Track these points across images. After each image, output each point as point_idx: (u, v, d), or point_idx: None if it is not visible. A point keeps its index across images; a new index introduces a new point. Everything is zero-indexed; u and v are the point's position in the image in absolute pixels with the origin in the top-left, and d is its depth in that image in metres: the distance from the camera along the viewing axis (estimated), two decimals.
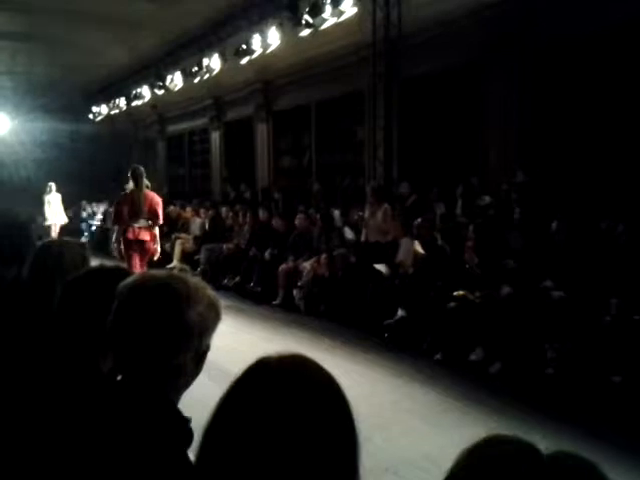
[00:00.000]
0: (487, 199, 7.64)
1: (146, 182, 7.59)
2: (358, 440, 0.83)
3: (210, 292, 1.31)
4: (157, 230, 7.59)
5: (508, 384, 5.32)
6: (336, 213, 9.39)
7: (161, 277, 1.30)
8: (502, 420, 4.45)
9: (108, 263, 1.90)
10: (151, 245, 7.50)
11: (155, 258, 7.55)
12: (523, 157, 7.93)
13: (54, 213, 14.97)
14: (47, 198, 15.07)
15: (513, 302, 5.71)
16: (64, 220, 15.16)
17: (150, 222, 7.46)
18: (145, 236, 7.43)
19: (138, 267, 7.28)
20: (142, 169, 7.54)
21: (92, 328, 1.47)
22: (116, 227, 7.72)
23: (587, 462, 0.69)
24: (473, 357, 5.77)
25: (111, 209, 10.76)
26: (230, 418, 0.83)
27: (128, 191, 7.76)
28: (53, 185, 15.06)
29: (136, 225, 7.40)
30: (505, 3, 7.81)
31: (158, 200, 7.63)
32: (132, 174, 7.52)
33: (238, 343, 5.96)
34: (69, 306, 1.58)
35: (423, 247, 7.17)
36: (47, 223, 14.77)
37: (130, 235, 7.39)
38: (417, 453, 3.91)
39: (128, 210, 7.39)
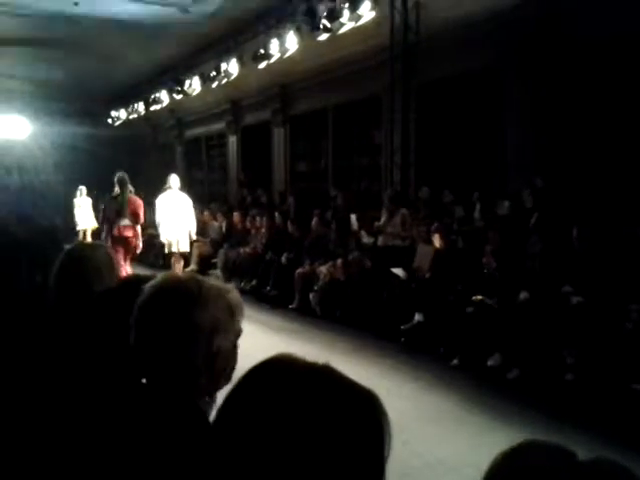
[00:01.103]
0: (506, 204, 7.58)
1: (130, 188, 8.84)
2: (386, 455, 0.80)
3: (231, 295, 1.32)
4: (139, 228, 8.80)
5: (526, 390, 5.26)
6: (353, 217, 9.39)
7: (176, 278, 1.33)
8: (520, 427, 4.40)
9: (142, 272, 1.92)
10: (134, 240, 8.71)
11: (138, 252, 9.00)
12: (542, 162, 7.86)
13: (85, 217, 14.78)
14: (77, 202, 14.87)
15: (531, 307, 5.66)
16: (95, 224, 14.78)
17: (132, 222, 8.66)
18: (128, 233, 8.62)
19: (122, 260, 8.23)
20: (126, 177, 8.79)
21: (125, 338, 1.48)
22: (105, 226, 8.84)
23: (625, 469, 0.67)
24: (491, 362, 5.72)
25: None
26: (244, 415, 0.80)
27: (114, 195, 8.80)
28: (84, 188, 14.83)
29: (121, 224, 8.58)
30: (524, 6, 7.75)
31: (140, 203, 8.84)
32: (118, 181, 8.74)
33: (254, 347, 5.94)
34: (104, 317, 1.61)
35: (441, 251, 7.13)
36: (78, 228, 14.56)
37: (116, 232, 8.55)
38: (434, 458, 3.88)
39: (114, 212, 8.61)
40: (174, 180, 9.60)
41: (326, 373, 0.83)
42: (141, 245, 8.91)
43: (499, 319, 5.78)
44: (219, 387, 1.31)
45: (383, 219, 8.36)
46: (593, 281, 5.46)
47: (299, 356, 0.84)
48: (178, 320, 1.24)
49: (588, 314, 5.25)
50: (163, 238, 9.54)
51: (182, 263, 9.73)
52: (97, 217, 14.33)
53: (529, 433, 4.22)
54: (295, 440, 0.75)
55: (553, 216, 6.79)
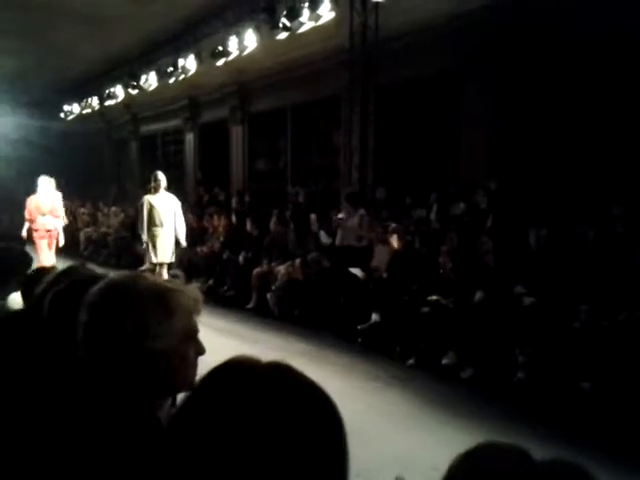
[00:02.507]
0: (461, 205, 7.70)
1: (51, 186, 9.71)
2: (347, 452, 0.79)
3: (175, 295, 1.27)
4: (58, 223, 9.71)
5: (480, 388, 5.36)
6: (312, 217, 9.38)
7: (114, 280, 1.31)
8: (475, 424, 4.48)
9: (89, 270, 1.86)
10: (55, 234, 9.62)
11: (61, 245, 9.73)
12: (497, 165, 8.02)
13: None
14: None
15: (485, 307, 5.76)
16: (64, 223, 13.80)
17: (52, 217, 9.52)
18: (49, 227, 9.56)
19: (45, 251, 9.47)
20: (48, 179, 9.65)
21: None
22: (26, 222, 9.60)
23: (581, 470, 0.67)
24: (445, 361, 5.80)
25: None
26: (202, 418, 0.78)
27: (36, 193, 9.64)
28: (52, 181, 13.14)
29: (42, 219, 9.54)
30: (480, 12, 7.90)
31: (59, 201, 9.88)
32: (41, 181, 9.60)
33: (209, 348, 5.88)
34: (58, 318, 1.55)
35: (398, 252, 7.19)
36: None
37: (37, 227, 9.48)
38: (390, 457, 3.90)
39: (35, 208, 9.50)
40: (161, 179, 8.39)
41: (285, 373, 0.81)
42: (63, 239, 9.71)
43: (454, 319, 5.86)
44: (178, 390, 1.26)
45: (342, 217, 8.39)
46: (545, 282, 5.60)
47: (257, 358, 0.82)
48: (108, 322, 1.21)
49: (540, 314, 5.38)
50: (145, 246, 8.33)
51: (165, 276, 8.24)
52: (68, 215, 13.18)
53: (483, 431, 4.30)
54: (254, 443, 0.73)
55: (507, 218, 6.94)
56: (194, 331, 1.31)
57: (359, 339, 6.84)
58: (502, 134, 8.06)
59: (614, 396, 4.68)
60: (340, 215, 8.47)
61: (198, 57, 11.43)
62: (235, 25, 10.22)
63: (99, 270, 1.97)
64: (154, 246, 8.27)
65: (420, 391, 5.30)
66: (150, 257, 8.36)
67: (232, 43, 10.23)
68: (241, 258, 9.35)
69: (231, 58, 10.49)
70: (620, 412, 4.53)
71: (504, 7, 7.63)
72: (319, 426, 0.77)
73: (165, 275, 8.23)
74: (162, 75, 12.62)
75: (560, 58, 7.43)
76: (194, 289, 1.34)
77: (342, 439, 0.79)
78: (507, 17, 7.66)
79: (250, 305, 8.66)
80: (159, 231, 8.24)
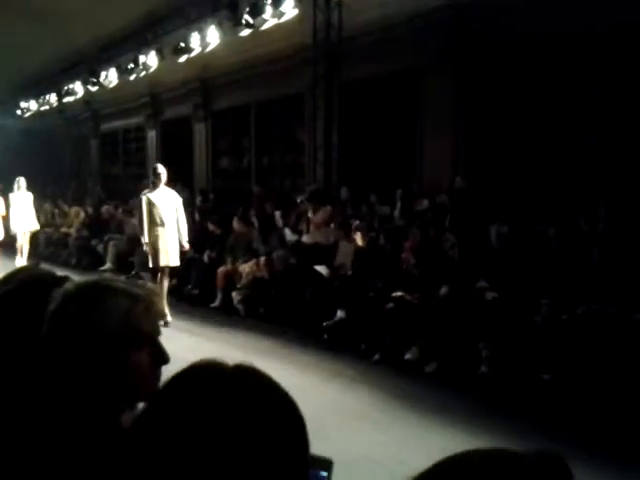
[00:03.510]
0: (425, 202, 7.79)
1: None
2: (309, 458, 0.80)
3: (144, 298, 1.24)
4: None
5: (444, 382, 5.43)
6: (277, 214, 9.36)
7: (80, 282, 1.25)
8: (440, 418, 4.54)
9: (41, 270, 1.80)
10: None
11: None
12: (460, 162, 8.14)
13: (21, 217, 11.59)
14: (13, 198, 11.55)
15: (449, 303, 5.84)
16: (35, 226, 12.03)
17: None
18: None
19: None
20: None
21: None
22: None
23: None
24: (408, 356, 5.86)
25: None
26: (168, 422, 0.77)
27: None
28: (22, 180, 11.51)
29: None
30: (441, 11, 7.99)
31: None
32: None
33: (175, 348, 5.81)
34: (6, 320, 1.49)
35: (362, 249, 7.24)
36: (14, 231, 11.55)
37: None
38: (356, 453, 3.92)
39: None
40: (161, 172, 7.48)
41: (251, 377, 0.80)
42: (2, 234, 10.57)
43: (418, 314, 5.93)
44: (139, 398, 1.22)
45: (311, 215, 8.42)
46: (507, 277, 5.70)
47: (223, 360, 0.81)
48: (76, 328, 1.16)
49: (502, 309, 5.49)
50: (147, 248, 7.45)
51: (166, 282, 7.66)
52: (39, 217, 12.41)
53: (448, 424, 4.36)
54: (216, 448, 0.73)
55: (470, 214, 7.05)
56: (157, 335, 1.27)
57: (325, 336, 6.85)
58: (465, 131, 8.18)
59: (574, 386, 4.81)
60: (310, 215, 8.48)
61: (160, 53, 11.27)
62: (197, 21, 10.12)
63: (58, 272, 1.92)
64: (155, 249, 7.36)
65: (385, 386, 5.34)
66: (151, 261, 7.46)
67: (194, 39, 10.13)
68: (205, 257, 9.27)
69: (193, 55, 10.38)
70: (580, 401, 4.65)
71: (466, 5, 7.74)
72: (281, 432, 0.77)
73: (166, 283, 7.61)
74: (123, 72, 12.41)
75: (522, 56, 7.57)
76: (155, 292, 1.31)
77: (304, 444, 0.79)
78: (469, 15, 7.77)
79: (215, 304, 8.59)
80: (160, 231, 7.35)
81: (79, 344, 1.17)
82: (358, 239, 7.34)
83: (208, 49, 10.14)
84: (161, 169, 7.52)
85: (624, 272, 5.18)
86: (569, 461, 0.64)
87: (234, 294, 8.33)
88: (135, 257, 10.79)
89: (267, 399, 0.78)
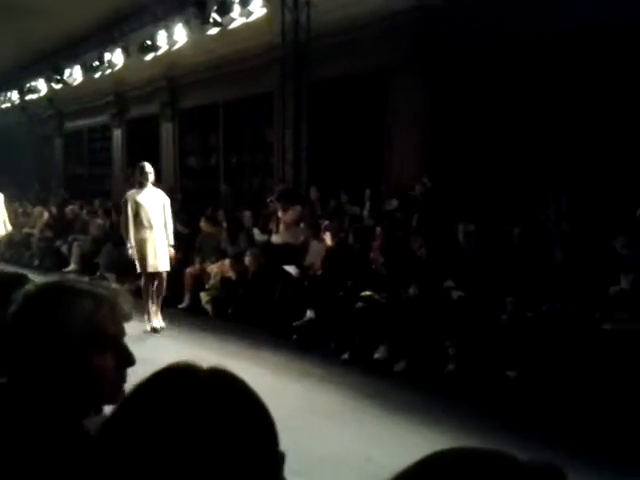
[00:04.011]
0: (394, 203, 7.84)
1: None
2: (280, 461, 0.79)
3: (110, 299, 1.22)
4: None
5: (412, 381, 5.48)
6: (246, 214, 9.31)
7: (43, 284, 1.22)
8: (410, 416, 4.57)
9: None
10: None
11: None
12: (428, 163, 8.22)
13: None
14: None
15: (417, 302, 5.90)
16: (9, 228, 11.19)
17: None
18: None
19: None
20: None
21: None
22: None
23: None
24: (377, 356, 5.89)
25: None
26: (140, 424, 0.76)
27: None
28: None
29: None
30: (410, 12, 8.06)
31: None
32: None
33: (144, 350, 5.73)
34: None
35: (332, 249, 7.25)
36: None
37: None
38: (326, 453, 3.93)
39: None
40: (149, 171, 7.10)
41: (224, 381, 0.80)
42: None
43: (387, 314, 5.97)
44: (104, 401, 1.20)
45: (280, 214, 8.41)
46: (473, 276, 5.78)
47: (195, 364, 0.80)
48: (34, 328, 1.14)
49: (468, 307, 5.56)
50: (133, 252, 6.97)
51: (164, 286, 7.27)
52: (11, 219, 11.41)
53: (416, 422, 4.40)
54: (187, 452, 0.72)
55: (437, 214, 7.12)
56: (121, 337, 1.24)
57: (294, 336, 6.85)
58: (433, 131, 8.26)
59: (538, 383, 4.90)
60: (280, 214, 8.45)
61: (125, 51, 11.11)
62: (164, 19, 10.00)
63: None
64: (142, 253, 6.92)
65: (354, 385, 5.36)
66: (138, 266, 7.02)
67: (161, 37, 10.02)
68: None
69: (160, 53, 10.26)
70: (544, 398, 4.75)
71: (435, 7, 7.82)
72: (252, 435, 0.77)
73: (164, 283, 7.23)
74: (87, 69, 12.20)
75: (488, 58, 7.69)
76: (124, 292, 1.28)
77: (274, 446, 0.79)
78: (438, 17, 7.86)
79: (183, 305, 8.50)
80: (148, 234, 6.95)
81: (41, 347, 1.14)
82: (327, 239, 7.35)
83: (175, 47, 10.04)
84: (149, 168, 7.12)
85: (587, 270, 5.30)
86: (535, 457, 0.65)
87: (202, 295, 8.26)
88: (100, 258, 10.64)
89: (239, 402, 0.78)
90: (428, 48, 8.01)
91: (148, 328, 7.11)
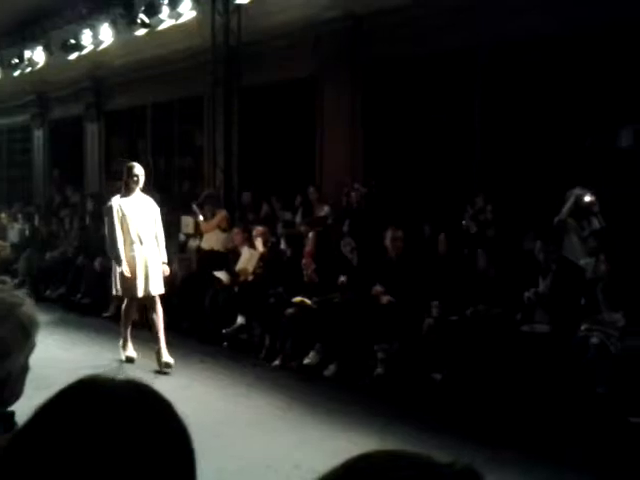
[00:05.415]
0: (326, 209, 7.92)
1: None
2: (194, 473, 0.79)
3: (23, 310, 1.18)
4: None
5: (342, 385, 5.54)
6: (183, 219, 9.14)
7: None
8: (339, 422, 4.62)
9: None
10: None
11: None
12: (358, 169, 8.34)
13: None
14: None
15: (347, 307, 5.97)
16: None
17: None
18: None
19: None
20: None
21: None
22: None
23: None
24: (307, 361, 5.92)
25: None
26: (48, 439, 0.73)
27: None
28: None
29: None
30: (338, 21, 8.19)
31: None
32: None
33: (63, 361, 5.54)
34: None
35: (264, 255, 7.24)
36: None
37: None
38: (254, 460, 3.91)
39: None
40: (138, 174, 5.97)
41: (138, 395, 0.78)
42: None
43: (317, 319, 6.01)
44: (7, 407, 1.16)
45: (202, 219, 8.32)
46: (400, 281, 5.92)
47: (110, 377, 0.79)
48: None
49: (396, 312, 5.69)
50: (124, 270, 5.78)
51: (159, 313, 6.00)
52: None
53: (345, 426, 4.45)
54: (100, 465, 0.71)
55: (368, 219, 7.24)
56: (34, 347, 1.21)
57: (225, 343, 6.78)
58: (363, 138, 8.40)
59: (463, 384, 5.07)
60: (201, 218, 8.34)
61: (47, 49, 10.70)
62: (89, 18, 9.71)
63: None
64: (132, 274, 5.80)
65: (285, 391, 5.36)
66: (122, 289, 5.89)
67: (86, 36, 9.72)
68: (97, 264, 8.87)
69: (85, 52, 9.96)
70: (469, 399, 4.91)
71: (364, 16, 7.97)
72: (166, 450, 0.75)
73: (156, 316, 5.96)
74: (6, 67, 11.68)
75: (414, 67, 7.91)
76: (29, 303, 1.24)
77: (190, 461, 0.78)
78: (367, 25, 8.01)
79: (108, 313, 8.24)
80: (137, 250, 5.84)
81: None
82: (259, 245, 7.33)
83: (101, 47, 9.76)
84: (138, 169, 5.98)
85: (508, 274, 5.54)
86: (456, 454, 0.67)
87: None
88: (19, 264, 10.22)
89: (151, 416, 0.76)
90: (356, 56, 8.15)
91: (122, 357, 6.11)
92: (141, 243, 5.85)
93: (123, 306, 6.23)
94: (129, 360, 6.12)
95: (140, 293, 5.85)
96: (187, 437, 0.78)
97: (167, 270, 6.09)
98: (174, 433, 0.77)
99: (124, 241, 5.83)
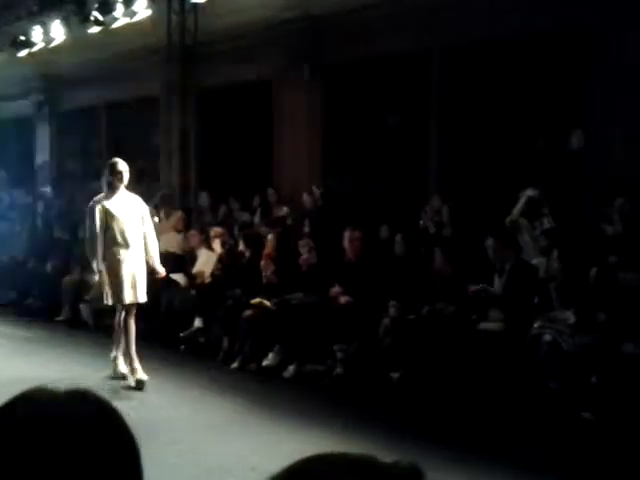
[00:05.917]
0: (284, 210, 7.90)
1: None
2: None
3: None
4: None
5: (301, 386, 5.54)
6: None
7: None
8: (294, 421, 4.61)
9: None
10: None
11: None
12: (317, 170, 8.36)
13: None
14: None
15: (305, 308, 5.97)
16: None
17: None
18: None
19: None
20: None
21: None
22: None
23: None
24: (266, 363, 5.90)
25: None
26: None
27: None
28: None
29: None
30: (297, 21, 8.19)
31: None
32: None
33: (14, 368, 5.36)
34: None
35: (222, 256, 7.17)
36: None
37: None
38: (212, 464, 3.86)
39: None
40: (123, 170, 5.55)
41: (81, 403, 0.76)
42: None
43: (276, 320, 6.00)
44: None
45: (158, 220, 8.19)
46: (358, 281, 5.95)
47: (55, 387, 0.76)
48: None
49: (354, 312, 5.72)
50: (101, 279, 5.39)
51: (132, 324, 5.55)
52: None
53: (304, 427, 4.45)
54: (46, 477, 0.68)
55: (326, 220, 7.27)
56: None
57: (182, 346, 6.69)
58: (322, 138, 8.42)
59: (420, 383, 5.13)
60: (156, 219, 8.21)
61: None
62: (40, 14, 9.44)
63: None
64: (117, 279, 5.34)
65: (243, 394, 5.32)
66: (109, 296, 5.41)
67: (36, 33, 9.45)
68: (49, 266, 8.64)
69: (35, 49, 9.68)
70: (426, 397, 4.98)
71: (320, 17, 8.00)
72: (112, 461, 0.74)
73: (132, 323, 5.54)
74: None
75: (373, 68, 7.98)
76: None
77: (137, 471, 0.77)
78: (324, 25, 8.04)
79: (61, 317, 8.04)
80: (123, 254, 5.38)
81: None
82: (217, 246, 7.26)
83: (52, 44, 9.51)
84: (122, 166, 5.55)
85: (464, 273, 5.63)
86: (417, 457, 0.68)
87: (82, 306, 7.86)
88: None
89: (98, 426, 0.74)
90: (313, 57, 8.17)
91: (132, 383, 5.40)
92: (127, 246, 5.39)
93: (116, 319, 5.62)
94: (139, 384, 5.33)
95: (127, 299, 5.40)
96: (134, 447, 0.76)
97: (162, 271, 5.76)
98: (120, 442, 0.75)
99: (109, 244, 5.38)
